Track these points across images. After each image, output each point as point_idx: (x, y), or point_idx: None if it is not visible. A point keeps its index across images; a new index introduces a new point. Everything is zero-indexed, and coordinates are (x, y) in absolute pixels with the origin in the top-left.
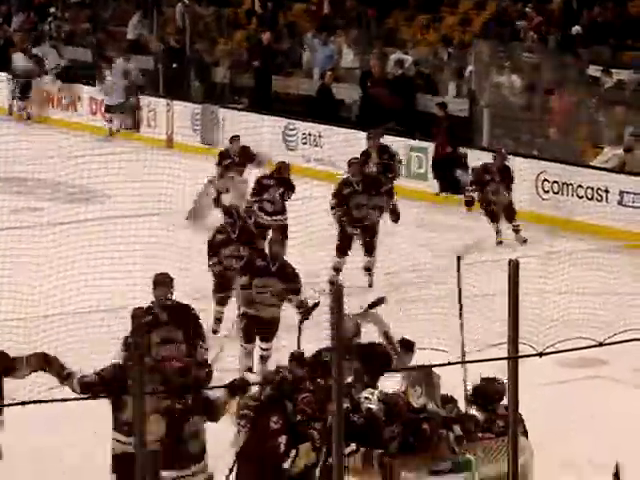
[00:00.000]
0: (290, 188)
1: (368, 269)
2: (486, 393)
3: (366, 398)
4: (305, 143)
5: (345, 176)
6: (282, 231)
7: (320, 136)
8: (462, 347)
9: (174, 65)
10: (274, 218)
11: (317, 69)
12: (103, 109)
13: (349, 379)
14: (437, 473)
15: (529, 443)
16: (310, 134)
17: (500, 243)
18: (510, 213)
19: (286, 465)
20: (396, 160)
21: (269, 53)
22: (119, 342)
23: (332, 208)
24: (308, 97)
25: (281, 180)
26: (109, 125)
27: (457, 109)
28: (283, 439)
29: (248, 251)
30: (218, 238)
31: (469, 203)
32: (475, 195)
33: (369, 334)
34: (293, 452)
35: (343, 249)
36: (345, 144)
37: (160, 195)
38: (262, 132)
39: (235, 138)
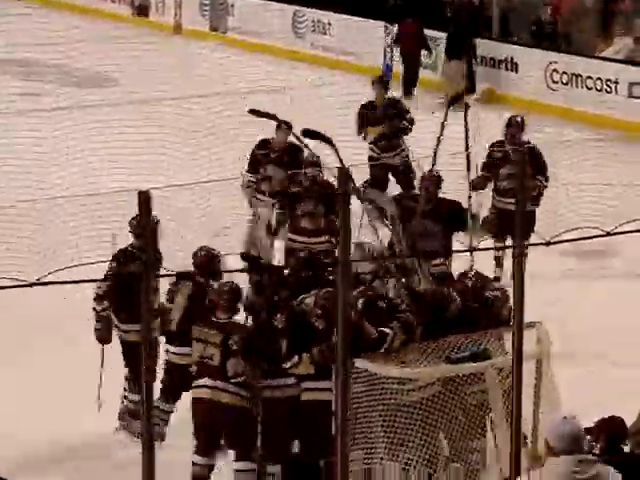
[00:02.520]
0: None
1: None
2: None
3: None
4: (314, 31)
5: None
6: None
7: (329, 24)
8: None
9: None
10: (314, 240)
11: None
12: None
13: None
14: (453, 361)
15: (546, 330)
16: (319, 21)
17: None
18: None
19: (286, 366)
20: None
21: None
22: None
23: None
24: None
25: (324, 187)
26: None
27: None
28: (284, 342)
29: None
30: None
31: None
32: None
33: None
34: (295, 358)
35: None
36: (354, 32)
37: (168, 80)
38: (272, 19)
39: (283, 127)
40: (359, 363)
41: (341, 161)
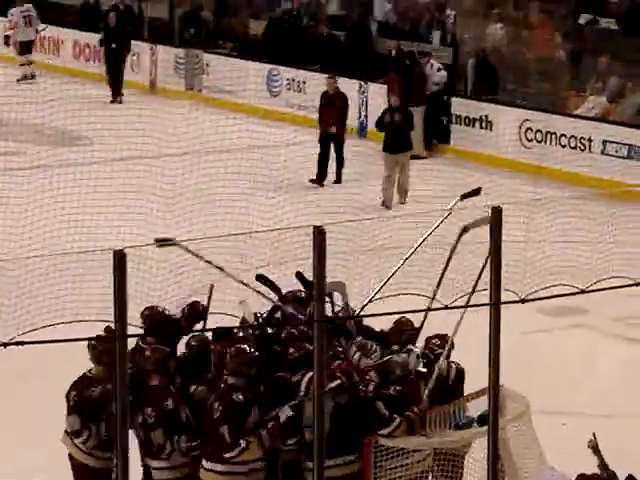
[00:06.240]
0: None
1: None
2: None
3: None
4: (289, 89)
5: None
6: None
7: (304, 82)
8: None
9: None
10: None
11: None
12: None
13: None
14: (462, 427)
15: (522, 396)
16: (294, 80)
17: None
18: None
19: (228, 454)
20: None
21: None
22: (102, 283)
23: None
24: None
25: None
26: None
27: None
28: (225, 429)
29: None
30: None
31: None
32: None
33: None
34: (242, 444)
35: None
36: None
37: (143, 139)
38: (247, 78)
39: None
40: (383, 441)
41: None
